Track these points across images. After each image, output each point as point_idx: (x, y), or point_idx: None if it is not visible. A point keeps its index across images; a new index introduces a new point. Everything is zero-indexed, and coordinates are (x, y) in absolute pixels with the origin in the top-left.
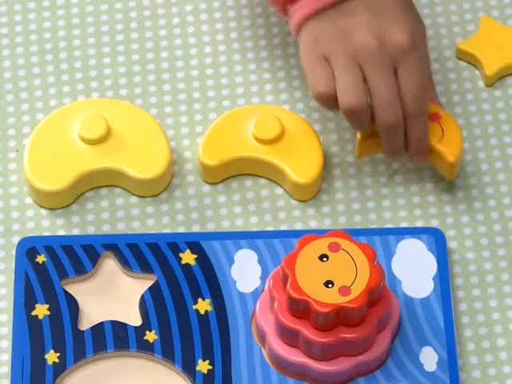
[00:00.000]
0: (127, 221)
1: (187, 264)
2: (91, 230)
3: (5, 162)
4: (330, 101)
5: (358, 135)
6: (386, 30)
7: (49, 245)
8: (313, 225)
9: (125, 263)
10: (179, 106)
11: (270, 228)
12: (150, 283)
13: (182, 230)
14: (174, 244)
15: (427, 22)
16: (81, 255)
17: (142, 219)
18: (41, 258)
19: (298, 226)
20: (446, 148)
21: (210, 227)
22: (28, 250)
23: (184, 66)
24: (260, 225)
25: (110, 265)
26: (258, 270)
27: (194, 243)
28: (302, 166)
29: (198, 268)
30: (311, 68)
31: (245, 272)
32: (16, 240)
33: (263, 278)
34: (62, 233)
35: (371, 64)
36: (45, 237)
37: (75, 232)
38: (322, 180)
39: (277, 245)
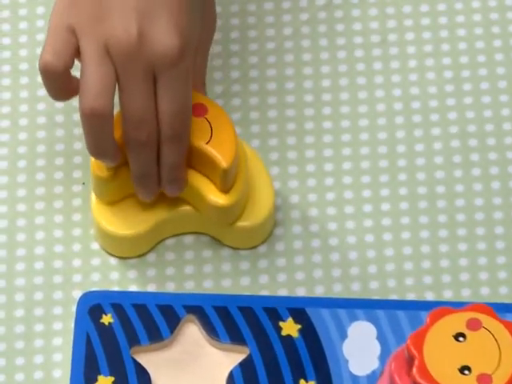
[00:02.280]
0: (216, 278)
1: (289, 336)
2: (171, 287)
3: (67, 196)
4: (56, 77)
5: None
6: (154, 25)
7: (117, 302)
8: (448, 295)
9: (211, 331)
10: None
11: (393, 296)
12: (241, 357)
13: (283, 292)
14: (274, 310)
15: None
16: (157, 318)
17: (235, 277)
18: (107, 319)
19: (429, 296)
20: (218, 150)
21: (319, 291)
22: (92, 307)
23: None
24: (381, 292)
25: (192, 332)
26: (377, 348)
27: (299, 310)
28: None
29: (302, 341)
30: (53, 33)
31: (360, 350)
32: (77, 294)
33: (383, 358)
34: (134, 288)
35: (124, 66)
36: (113, 292)
37: (151, 288)
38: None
39: (402, 318)
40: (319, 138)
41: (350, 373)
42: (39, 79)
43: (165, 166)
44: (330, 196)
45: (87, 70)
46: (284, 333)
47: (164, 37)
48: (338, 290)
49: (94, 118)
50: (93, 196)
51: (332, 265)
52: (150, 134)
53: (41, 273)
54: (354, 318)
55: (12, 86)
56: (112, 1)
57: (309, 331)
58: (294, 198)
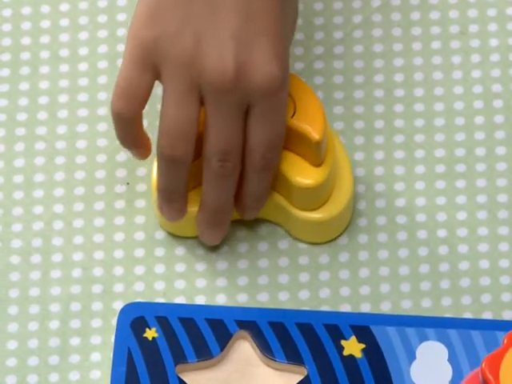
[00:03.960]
0: (272, 290)
1: (351, 356)
2: (222, 300)
3: (110, 197)
4: (127, 122)
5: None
6: (252, 54)
7: (163, 315)
8: None
9: (265, 348)
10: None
11: (467, 315)
12: (298, 378)
13: (346, 308)
14: (335, 327)
15: None
16: (205, 333)
17: (293, 289)
18: (151, 333)
19: (508, 315)
20: (304, 124)
21: (386, 308)
22: (134, 320)
23: None
24: (454, 309)
25: (244, 349)
26: (449, 371)
27: (363, 328)
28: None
29: (366, 362)
30: (127, 64)
31: (430, 373)
32: (118, 306)
33: (455, 382)
34: (181, 300)
35: (217, 100)
36: (158, 304)
37: (200, 301)
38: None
39: (476, 338)
40: (410, 121)
41: None
42: (78, 69)
43: (250, 195)
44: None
45: (168, 112)
46: (346, 352)
47: (264, 67)
48: (406, 307)
49: (171, 164)
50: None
51: (400, 279)
52: (235, 166)
53: (78, 281)
54: (423, 338)
55: (51, 74)
56: (204, 30)
57: (373, 351)
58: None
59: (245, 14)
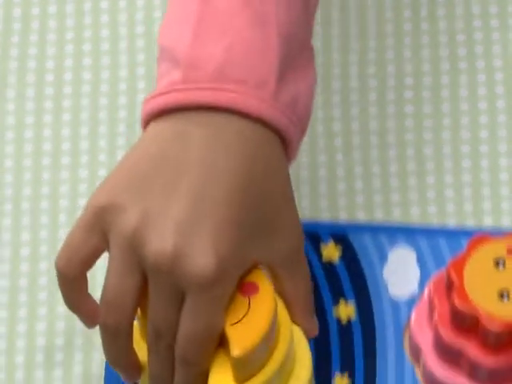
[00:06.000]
0: None
1: (329, 261)
2: None
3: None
4: (70, 282)
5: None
6: (191, 242)
7: None
8: (488, 221)
9: None
10: None
11: (434, 222)
12: None
13: (325, 217)
14: (315, 234)
15: None
16: None
17: None
18: None
19: (470, 222)
20: (236, 336)
21: (360, 216)
22: None
23: None
24: (423, 217)
25: None
26: (417, 273)
27: (340, 235)
28: None
29: (343, 265)
30: (77, 225)
31: (400, 274)
32: None
33: (422, 283)
34: None
35: (154, 278)
36: None
37: None
38: None
39: (442, 244)
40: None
41: (390, 297)
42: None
43: (175, 380)
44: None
45: (107, 280)
46: (325, 257)
47: (199, 259)
48: (379, 216)
49: (104, 332)
50: None
51: (374, 191)
52: (167, 346)
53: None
54: (394, 243)
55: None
56: (152, 209)
57: (349, 255)
58: None
59: (196, 200)
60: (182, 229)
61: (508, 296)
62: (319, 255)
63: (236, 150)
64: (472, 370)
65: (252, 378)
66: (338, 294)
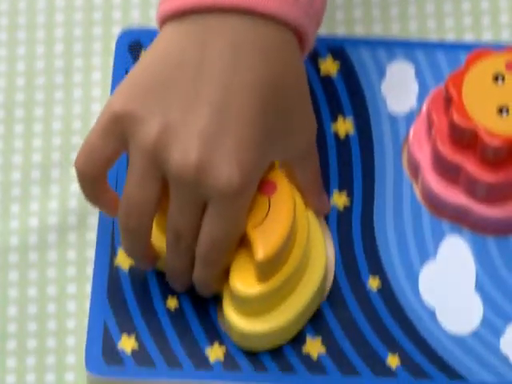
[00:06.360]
0: None
1: (327, 75)
2: None
3: None
4: (90, 182)
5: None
6: (216, 154)
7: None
8: (488, 36)
9: None
10: None
11: (433, 37)
12: None
13: (323, 32)
14: (313, 49)
15: None
16: None
17: None
18: None
19: (469, 37)
20: (259, 239)
21: (359, 30)
22: (131, 44)
23: None
24: (421, 32)
25: None
26: (415, 88)
27: (338, 49)
28: None
29: (341, 80)
30: (97, 132)
31: (398, 89)
32: (117, 31)
33: (421, 97)
34: None
35: (176, 187)
36: (154, 30)
37: None
38: None
39: (441, 58)
40: None
41: (388, 111)
42: None
43: (196, 279)
44: None
45: (128, 186)
46: (323, 72)
47: (223, 171)
48: (377, 31)
49: (126, 233)
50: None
51: (372, 4)
52: (187, 246)
53: (80, 9)
54: (392, 57)
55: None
56: (174, 121)
57: (347, 70)
58: None
59: (219, 111)
60: (205, 140)
61: (507, 111)
62: (317, 70)
63: (257, 56)
64: (470, 186)
65: (274, 276)
66: (336, 110)
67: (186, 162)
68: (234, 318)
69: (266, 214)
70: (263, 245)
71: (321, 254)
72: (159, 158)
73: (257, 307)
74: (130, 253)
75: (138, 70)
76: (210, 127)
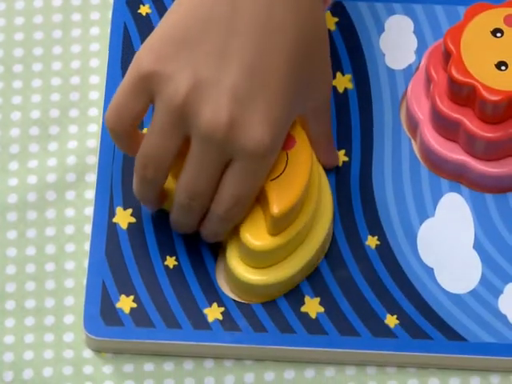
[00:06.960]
0: None
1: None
2: None
3: None
4: (121, 137)
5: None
6: (247, 114)
7: None
8: None
9: None
10: None
11: None
12: None
13: None
14: None
15: None
16: None
17: None
18: (144, 9)
19: None
20: (275, 193)
21: None
22: None
23: None
24: None
25: None
26: (414, 43)
27: (337, 4)
28: None
29: (339, 35)
30: (127, 88)
31: (397, 44)
32: None
33: (419, 52)
34: None
35: (200, 145)
36: None
37: None
38: None
39: (439, 13)
40: None
41: (387, 66)
42: None
43: (207, 230)
44: None
45: (150, 137)
46: None
47: (254, 131)
48: None
49: (141, 180)
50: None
51: None
52: (202, 205)
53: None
54: (391, 12)
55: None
56: (204, 77)
57: (346, 25)
58: None
59: (250, 70)
60: (237, 99)
61: (506, 66)
62: None
63: (288, 18)
64: (469, 142)
65: (285, 231)
66: (334, 65)
67: (218, 120)
68: (238, 268)
69: (284, 169)
70: (279, 200)
71: (328, 208)
72: (187, 114)
73: (264, 260)
74: (140, 197)
75: (165, 24)
76: (241, 86)
